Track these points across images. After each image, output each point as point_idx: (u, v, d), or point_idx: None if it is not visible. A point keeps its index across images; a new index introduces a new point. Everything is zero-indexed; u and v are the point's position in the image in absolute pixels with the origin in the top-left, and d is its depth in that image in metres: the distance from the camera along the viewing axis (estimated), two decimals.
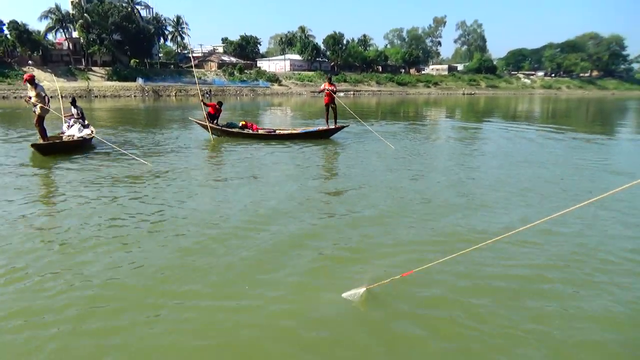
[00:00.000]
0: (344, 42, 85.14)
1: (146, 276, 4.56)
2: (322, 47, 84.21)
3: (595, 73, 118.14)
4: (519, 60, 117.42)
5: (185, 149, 12.72)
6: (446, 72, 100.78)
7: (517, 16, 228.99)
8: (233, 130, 14.44)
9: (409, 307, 4.02)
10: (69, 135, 12.62)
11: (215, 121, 14.69)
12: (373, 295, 4.04)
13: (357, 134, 15.98)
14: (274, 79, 71.89)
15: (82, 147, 12.05)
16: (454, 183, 8.75)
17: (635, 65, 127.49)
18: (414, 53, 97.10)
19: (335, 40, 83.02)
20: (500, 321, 3.79)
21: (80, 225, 5.94)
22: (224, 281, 4.45)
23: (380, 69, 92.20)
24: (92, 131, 12.91)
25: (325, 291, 4.24)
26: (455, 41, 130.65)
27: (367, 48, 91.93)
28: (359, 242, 5.49)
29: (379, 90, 78.28)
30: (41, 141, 11.30)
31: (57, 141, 11.57)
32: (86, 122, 13.54)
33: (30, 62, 57.78)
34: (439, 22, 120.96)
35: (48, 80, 54.09)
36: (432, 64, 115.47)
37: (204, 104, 15.32)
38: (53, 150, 11.05)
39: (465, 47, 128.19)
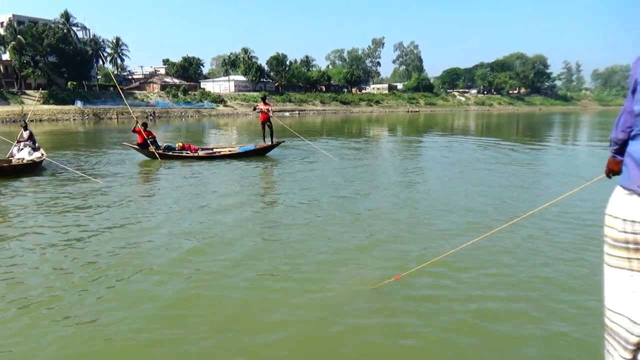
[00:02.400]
0: (287, 63, 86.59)
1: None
2: (266, 68, 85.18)
3: (523, 90, 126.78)
4: (454, 78, 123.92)
5: (130, 169, 12.81)
6: (387, 91, 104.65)
7: (450, 37, 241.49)
8: (171, 153, 14.38)
9: None
10: (18, 158, 12.49)
11: (152, 143, 14.06)
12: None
13: (300, 150, 16.77)
14: (218, 100, 71.76)
15: (33, 169, 11.94)
16: (396, 198, 8.98)
17: (557, 83, 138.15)
18: (355, 73, 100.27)
19: (278, 61, 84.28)
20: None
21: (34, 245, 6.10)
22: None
23: (324, 89, 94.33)
24: (42, 154, 12.82)
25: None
26: (393, 61, 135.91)
27: (310, 68, 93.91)
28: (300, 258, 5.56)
29: (324, 109, 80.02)
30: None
31: (5, 165, 11.42)
32: (37, 145, 13.44)
33: None
34: (378, 43, 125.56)
35: None
36: (373, 84, 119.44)
37: (134, 131, 14.20)
38: (7, 173, 10.95)
39: (403, 67, 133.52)
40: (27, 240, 6.22)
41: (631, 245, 1.79)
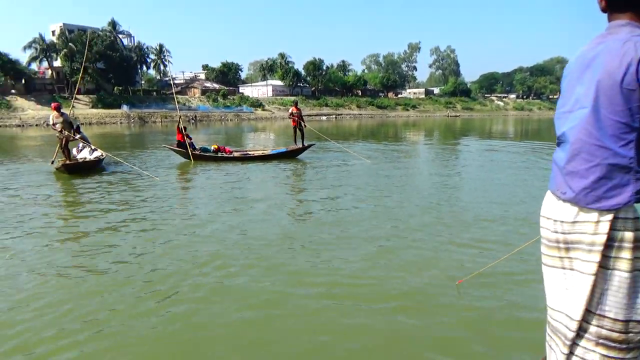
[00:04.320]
0: (324, 67, 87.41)
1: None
2: (303, 72, 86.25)
3: None
4: (492, 83, 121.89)
5: (175, 168, 13.73)
6: (423, 96, 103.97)
7: (488, 41, 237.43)
8: (207, 154, 15.01)
9: None
10: (81, 158, 13.46)
11: (189, 145, 14.70)
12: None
13: (333, 152, 17.38)
14: (257, 104, 73.25)
15: (96, 167, 12.91)
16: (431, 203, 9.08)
17: None
18: (391, 77, 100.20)
19: (315, 66, 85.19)
20: None
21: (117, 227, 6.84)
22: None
23: (360, 93, 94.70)
24: (102, 153, 13.78)
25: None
26: (430, 66, 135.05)
27: (346, 73, 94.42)
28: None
29: (360, 114, 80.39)
30: (67, 162, 12.20)
31: (80, 161, 12.40)
32: (93, 147, 14.41)
33: (13, 91, 57.86)
34: (414, 48, 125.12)
35: (32, 109, 54.46)
36: (409, 88, 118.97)
37: (178, 130, 14.90)
38: (78, 169, 11.95)
39: (439, 71, 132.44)
40: (111, 226, 7.07)
41: (562, 245, 1.86)
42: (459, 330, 3.77)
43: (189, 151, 14.42)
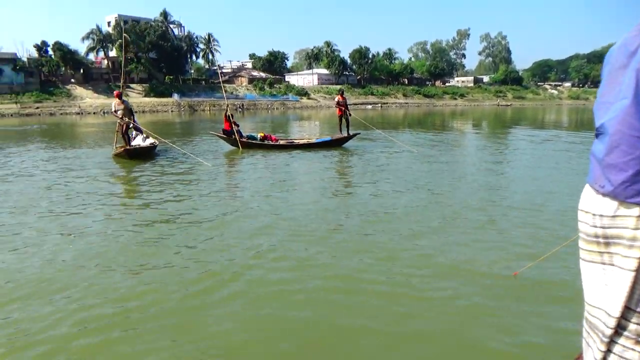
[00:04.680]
0: (370, 56, 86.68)
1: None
2: (349, 61, 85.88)
3: None
4: (545, 71, 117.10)
5: (225, 154, 14.24)
6: (472, 84, 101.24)
7: (542, 27, 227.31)
8: (254, 142, 15.34)
9: None
10: (135, 145, 14.14)
11: (236, 132, 15.06)
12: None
13: (378, 141, 17.36)
14: (302, 92, 73.75)
15: (152, 152, 13.56)
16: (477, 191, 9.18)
17: None
18: (439, 65, 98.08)
19: (361, 54, 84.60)
20: None
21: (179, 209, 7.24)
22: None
23: (407, 82, 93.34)
24: (154, 141, 14.40)
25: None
26: (479, 53, 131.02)
27: (393, 61, 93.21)
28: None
29: (406, 103, 79.34)
30: (122, 149, 12.93)
31: (139, 147, 13.07)
32: (144, 135, 15.08)
33: (72, 80, 60.83)
34: (463, 35, 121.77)
35: (90, 97, 57.07)
36: (457, 76, 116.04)
37: (226, 118, 15.29)
38: (137, 154, 12.67)
39: (489, 58, 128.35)
40: (168, 207, 7.47)
41: (601, 240, 1.79)
42: (521, 322, 3.80)
43: (237, 139, 14.80)
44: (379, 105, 74.25)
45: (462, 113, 53.20)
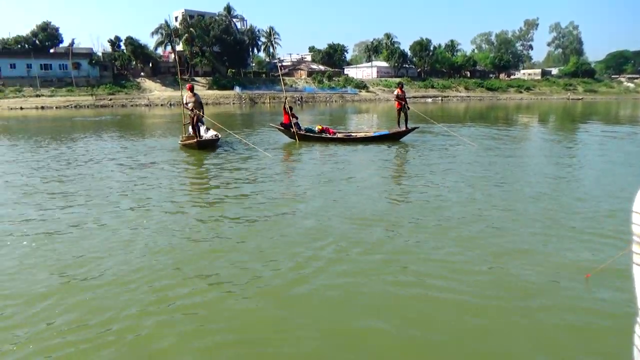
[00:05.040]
0: (431, 48, 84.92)
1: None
2: (409, 53, 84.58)
3: None
4: (621, 63, 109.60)
5: (282, 147, 14.59)
6: (539, 77, 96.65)
7: (617, 16, 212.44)
8: (311, 135, 15.52)
9: None
10: (201, 136, 14.80)
11: (295, 125, 15.30)
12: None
13: (438, 135, 17.17)
14: (361, 85, 73.59)
15: (215, 144, 14.17)
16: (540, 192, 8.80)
17: None
18: (503, 57, 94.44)
19: (422, 46, 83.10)
20: None
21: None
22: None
23: (469, 74, 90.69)
24: (216, 133, 15.00)
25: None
26: (548, 44, 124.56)
27: (455, 53, 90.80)
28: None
29: (468, 96, 77.18)
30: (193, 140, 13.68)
31: (208, 139, 13.71)
32: (206, 126, 15.74)
33: (142, 73, 64.01)
34: (530, 25, 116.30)
35: (158, 90, 59.77)
36: (523, 69, 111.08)
37: (285, 111, 15.60)
38: (206, 146, 13.39)
39: (559, 50, 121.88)
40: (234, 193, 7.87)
41: None
42: (597, 325, 3.78)
43: (294, 131, 15.11)
44: (439, 98, 72.74)
45: (527, 107, 51.11)
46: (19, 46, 60.95)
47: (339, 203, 7.40)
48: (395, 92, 16.57)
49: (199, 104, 13.46)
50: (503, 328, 3.76)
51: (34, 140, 17.82)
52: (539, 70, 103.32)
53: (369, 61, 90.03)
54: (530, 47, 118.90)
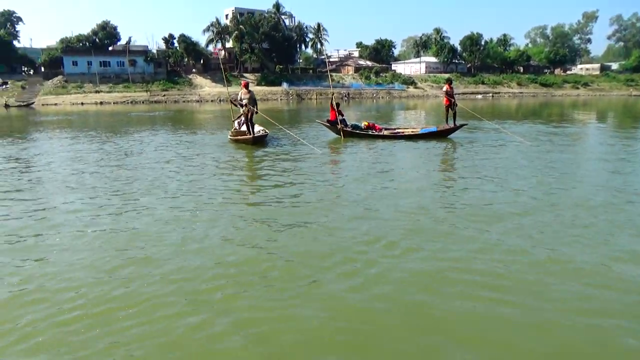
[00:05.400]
0: (482, 42, 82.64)
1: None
2: (459, 48, 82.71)
3: None
4: None
5: (328, 143, 14.72)
6: (598, 72, 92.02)
7: None
8: (358, 131, 15.53)
9: None
10: (239, 131, 15.12)
11: (341, 122, 15.39)
12: None
13: (487, 132, 16.83)
14: (409, 81, 72.72)
15: (265, 140, 14.50)
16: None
17: None
18: (560, 52, 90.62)
19: (472, 41, 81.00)
20: None
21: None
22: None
23: (522, 70, 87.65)
24: (263, 129, 15.33)
25: None
26: (608, 37, 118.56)
27: (507, 48, 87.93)
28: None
29: (520, 92, 74.62)
30: (234, 135, 14.20)
31: (260, 135, 14.06)
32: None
33: (193, 70, 65.97)
34: (590, 18, 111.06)
35: (208, 86, 61.38)
36: (581, 63, 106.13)
37: (332, 107, 15.68)
38: (259, 141, 13.86)
39: (621, 43, 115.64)
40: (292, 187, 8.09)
41: None
42: None
43: (340, 128, 15.21)
44: (490, 94, 70.77)
45: (584, 104, 48.92)
46: (81, 44, 64.18)
47: (388, 200, 7.46)
48: (444, 89, 16.34)
49: (253, 101, 13.81)
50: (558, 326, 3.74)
51: (94, 133, 19.00)
52: (597, 65, 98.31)
53: (417, 57, 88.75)
54: (589, 40, 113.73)
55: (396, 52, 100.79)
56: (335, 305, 4.04)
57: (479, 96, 67.44)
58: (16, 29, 68.90)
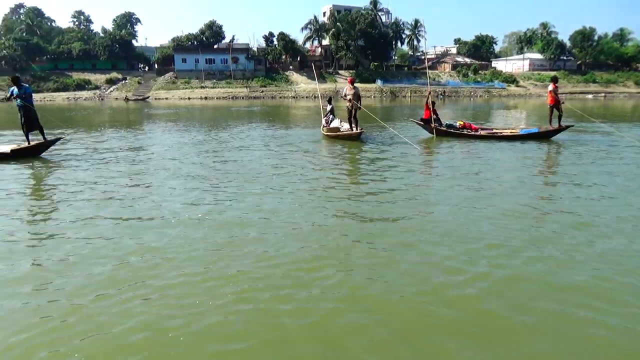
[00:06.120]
0: (595, 38, 76.18)
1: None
2: (568, 44, 77.01)
3: None
4: None
5: (422, 141, 14.45)
6: None
7: None
8: (453, 131, 15.03)
9: None
10: (333, 127, 15.40)
11: (435, 121, 15.13)
12: None
13: (597, 134, 15.54)
14: (510, 79, 69.19)
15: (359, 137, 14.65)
16: None
17: None
18: None
19: (584, 36, 75.03)
20: None
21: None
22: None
23: None
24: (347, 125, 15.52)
25: None
26: None
27: (625, 43, 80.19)
28: None
29: (638, 92, 67.81)
30: (332, 131, 14.53)
31: (359, 131, 14.27)
32: (339, 119, 16.40)
33: (290, 67, 68.15)
34: None
35: (303, 83, 63.04)
36: None
37: (427, 106, 15.47)
38: (360, 136, 14.18)
39: None
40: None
41: None
42: None
43: (434, 126, 14.94)
44: (602, 94, 65.14)
45: None
46: (190, 43, 69.03)
47: (484, 201, 7.32)
48: (550, 88, 15.29)
49: (357, 97, 14.14)
50: None
51: (199, 126, 20.64)
52: None
53: (521, 53, 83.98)
54: None
55: (497, 48, 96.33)
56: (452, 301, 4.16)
57: (589, 96, 62.42)
58: (135, 29, 75.80)
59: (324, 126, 15.91)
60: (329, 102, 16.70)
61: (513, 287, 4.38)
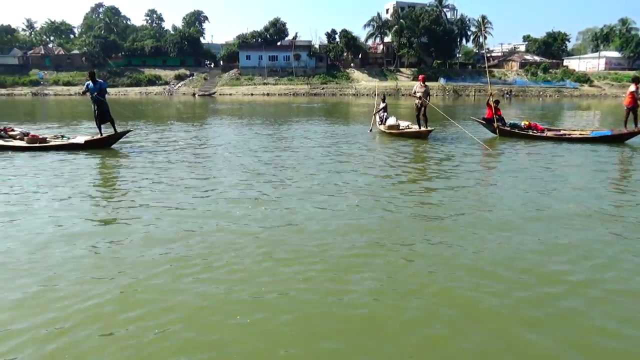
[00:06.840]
0: None
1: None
2: None
3: None
4: None
5: (487, 142, 13.87)
6: None
7: None
8: (517, 131, 14.47)
9: None
10: (393, 125, 15.27)
11: (498, 120, 14.67)
12: None
13: None
14: (583, 79, 65.45)
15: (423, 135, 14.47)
16: None
17: None
18: None
19: None
20: None
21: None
22: None
23: None
24: (409, 123, 15.44)
25: None
26: None
27: None
28: None
29: None
30: (395, 129, 14.55)
31: (428, 129, 14.18)
32: (392, 116, 16.19)
33: (352, 64, 68.21)
34: None
35: (364, 80, 62.92)
36: None
37: (487, 104, 15.16)
38: (419, 136, 14.18)
39: None
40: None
41: None
42: None
43: (496, 126, 14.54)
44: None
45: None
46: (254, 40, 70.75)
47: (545, 203, 7.11)
48: (632, 88, 14.18)
49: (426, 94, 14.19)
50: None
51: (261, 121, 21.32)
52: None
53: (596, 51, 79.17)
54: None
55: (569, 46, 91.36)
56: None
57: None
58: (202, 27, 78.68)
59: (379, 123, 16.03)
60: (383, 100, 16.73)
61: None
